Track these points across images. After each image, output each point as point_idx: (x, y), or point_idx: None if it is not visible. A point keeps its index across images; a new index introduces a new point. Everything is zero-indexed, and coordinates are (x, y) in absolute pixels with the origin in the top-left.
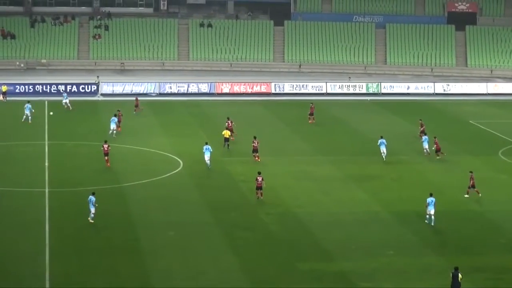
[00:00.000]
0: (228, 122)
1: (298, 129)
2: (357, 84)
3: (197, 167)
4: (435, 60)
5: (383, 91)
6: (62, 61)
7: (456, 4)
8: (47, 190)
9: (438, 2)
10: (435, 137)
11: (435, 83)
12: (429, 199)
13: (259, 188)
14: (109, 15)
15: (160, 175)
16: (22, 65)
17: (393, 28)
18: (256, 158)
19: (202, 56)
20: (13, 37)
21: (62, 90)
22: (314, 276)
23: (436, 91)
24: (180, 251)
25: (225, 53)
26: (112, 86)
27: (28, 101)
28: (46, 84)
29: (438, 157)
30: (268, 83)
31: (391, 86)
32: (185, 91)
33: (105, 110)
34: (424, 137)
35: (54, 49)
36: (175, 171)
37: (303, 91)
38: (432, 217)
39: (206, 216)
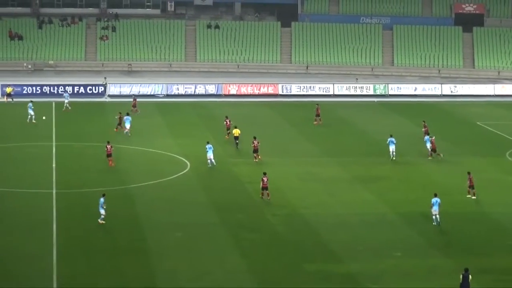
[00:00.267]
0: (226, 121)
1: (305, 130)
2: (364, 85)
3: (204, 168)
4: (443, 61)
5: (390, 92)
6: (69, 62)
7: (464, 6)
8: (54, 191)
9: (445, 4)
10: (432, 137)
11: (442, 85)
12: (434, 200)
13: (265, 188)
14: (117, 16)
15: (167, 176)
16: (29, 66)
17: (400, 30)
18: (256, 158)
19: (209, 57)
20: (20, 38)
21: (61, 91)
22: (320, 277)
23: (444, 93)
24: (186, 252)
25: (232, 54)
26: (119, 87)
27: (31, 101)
28: (53, 85)
29: (430, 158)
30: (275, 85)
31: (398, 87)
32: (192, 93)
33: (112, 111)
34: (426, 137)
35: (62, 50)
36: (182, 172)
37: (310, 92)
38: (437, 216)
39: (213, 217)
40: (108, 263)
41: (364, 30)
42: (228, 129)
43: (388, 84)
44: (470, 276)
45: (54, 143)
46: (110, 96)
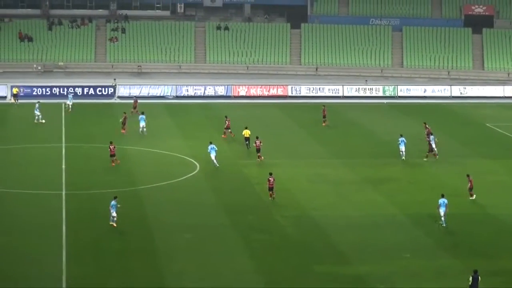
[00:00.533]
0: (226, 121)
1: (314, 132)
2: (373, 87)
3: (213, 169)
4: (452, 63)
5: (400, 94)
6: (79, 64)
7: (473, 7)
8: (64, 192)
9: (455, 5)
10: (427, 135)
11: (452, 86)
12: (441, 200)
13: (271, 188)
14: (126, 18)
15: (176, 178)
16: (39, 67)
17: (410, 31)
18: (258, 158)
19: (219, 59)
20: (30, 40)
21: (71, 92)
22: (330, 279)
23: (453, 94)
24: (196, 253)
25: (242, 56)
26: (129, 89)
27: (38, 102)
28: (63, 87)
29: (425, 159)
30: (284, 86)
31: (407, 89)
32: (202, 94)
33: (122, 112)
34: (431, 137)
35: (71, 52)
36: (191, 174)
37: (319, 94)
38: (442, 218)
39: (222, 219)
40: (117, 264)
41: (374, 31)
42: (228, 128)
43: (397, 85)
44: (479, 278)
45: (63, 144)
46: (120, 97)
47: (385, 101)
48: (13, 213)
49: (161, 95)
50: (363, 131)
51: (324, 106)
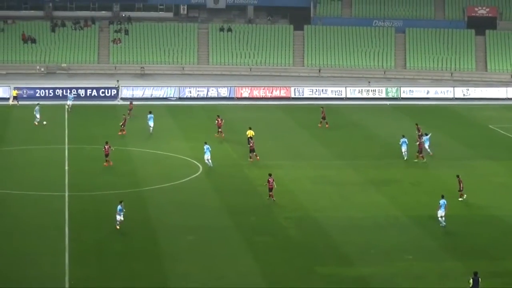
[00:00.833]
0: (218, 120)
1: (317, 133)
2: (376, 88)
3: (216, 171)
4: (455, 64)
5: (403, 95)
6: (82, 65)
7: (476, 9)
8: (67, 194)
9: (458, 7)
10: (419, 137)
11: (455, 88)
12: (442, 201)
13: (271, 189)
14: (129, 19)
15: (179, 179)
16: (42, 69)
17: (413, 33)
18: (251, 158)
19: (222, 60)
20: (33, 41)
21: (74, 94)
22: (333, 280)
23: (456, 96)
24: (199, 255)
25: (245, 57)
26: (132, 90)
27: (38, 104)
28: (66, 88)
29: (416, 160)
30: (287, 88)
31: (410, 90)
32: (205, 96)
33: (121, 115)
34: (424, 137)
35: (74, 53)
36: (194, 175)
37: (322, 95)
38: (441, 218)
39: (225, 220)
40: (121, 266)
41: (377, 33)
42: (219, 127)
43: (400, 87)
44: (480, 280)
45: (66, 146)
46: (123, 99)
47: (388, 102)
48: (16, 214)
49: (164, 96)
50: (366, 132)
51: (322, 107)
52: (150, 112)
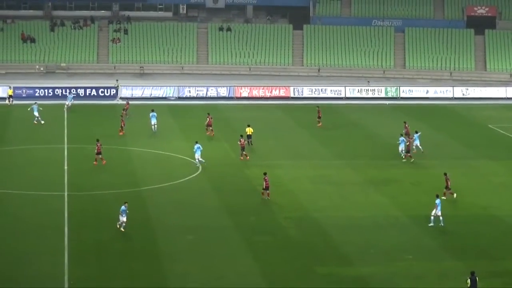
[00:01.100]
0: (208, 118)
1: (316, 133)
2: (376, 88)
3: (215, 171)
4: (454, 64)
5: (402, 95)
6: (81, 65)
7: (475, 8)
8: (66, 193)
9: (457, 6)
10: (409, 137)
11: (454, 87)
12: (438, 201)
13: (266, 188)
14: (129, 19)
15: (179, 179)
16: (41, 68)
17: (412, 32)
18: (241, 156)
19: (221, 60)
20: (33, 41)
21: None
22: (332, 280)
23: (455, 95)
24: (198, 255)
25: (244, 57)
26: (131, 90)
27: (35, 103)
28: (65, 88)
29: (404, 160)
30: (287, 87)
31: (410, 90)
32: (204, 95)
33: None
34: (415, 136)
35: (74, 53)
36: (193, 175)
37: (322, 95)
38: (441, 217)
39: (225, 220)
40: (120, 266)
41: (376, 32)
42: (209, 125)
43: (399, 86)
44: (477, 279)
45: (66, 145)
46: (122, 98)
47: (387, 102)
48: (15, 214)
49: (163, 96)
50: (365, 132)
51: (318, 107)
52: (153, 110)
